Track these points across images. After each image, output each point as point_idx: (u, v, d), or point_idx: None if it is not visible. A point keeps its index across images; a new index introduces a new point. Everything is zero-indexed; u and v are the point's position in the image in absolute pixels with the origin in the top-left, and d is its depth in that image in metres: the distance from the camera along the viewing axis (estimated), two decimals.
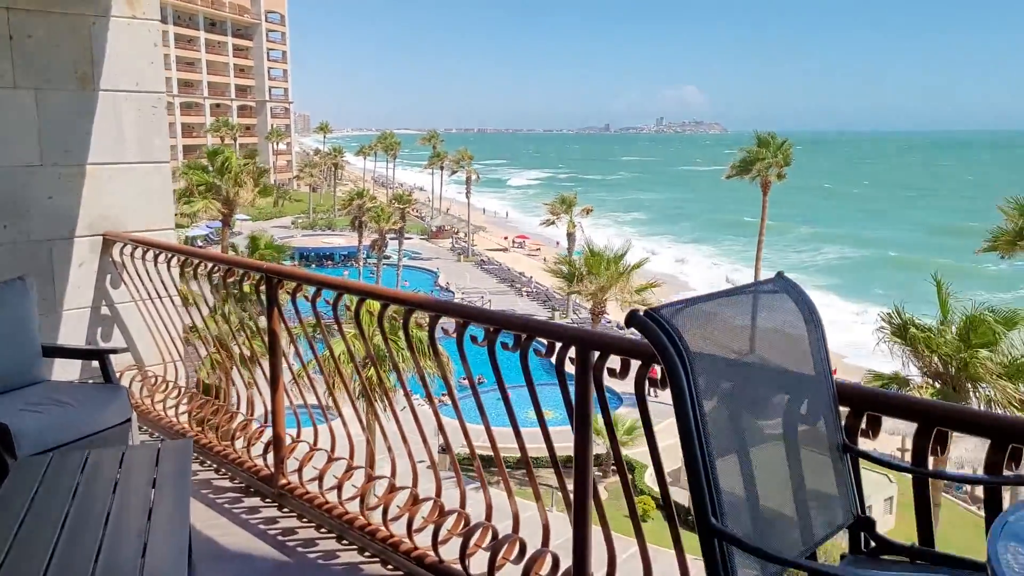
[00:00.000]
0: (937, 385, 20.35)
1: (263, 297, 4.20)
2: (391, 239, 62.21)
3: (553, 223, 62.00)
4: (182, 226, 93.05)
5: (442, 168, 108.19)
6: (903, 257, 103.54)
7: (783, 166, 41.12)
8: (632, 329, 2.13)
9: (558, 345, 2.97)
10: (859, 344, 62.02)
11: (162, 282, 4.98)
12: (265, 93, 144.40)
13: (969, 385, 19.71)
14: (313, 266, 78.91)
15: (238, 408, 4.96)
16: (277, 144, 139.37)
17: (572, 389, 3.07)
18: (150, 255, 4.97)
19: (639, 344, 2.68)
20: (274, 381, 4.33)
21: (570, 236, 61.14)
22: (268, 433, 4.49)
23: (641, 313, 2.04)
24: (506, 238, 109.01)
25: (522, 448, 3.69)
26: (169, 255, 4.84)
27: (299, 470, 4.31)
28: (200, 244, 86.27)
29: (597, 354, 2.90)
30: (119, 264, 5.27)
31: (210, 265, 4.59)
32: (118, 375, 5.38)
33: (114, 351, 4.94)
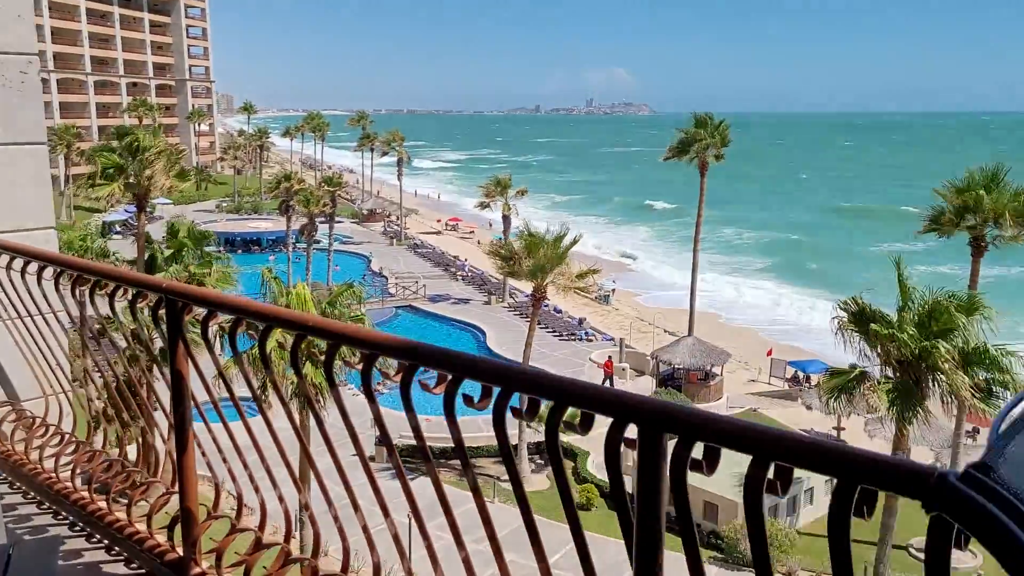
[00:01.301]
0: (893, 376, 20.05)
1: (163, 327, 3.12)
2: (321, 223, 60.22)
3: (488, 205, 60.94)
4: (97, 210, 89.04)
5: (372, 150, 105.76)
6: (803, 240, 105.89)
7: (721, 147, 40.88)
8: None
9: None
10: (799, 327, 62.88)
11: (43, 295, 3.84)
12: (185, 72, 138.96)
13: (929, 376, 19.55)
14: (239, 252, 76.24)
15: (137, 462, 3.87)
16: (199, 125, 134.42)
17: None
18: (17, 264, 3.81)
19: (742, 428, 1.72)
20: (181, 435, 3.28)
21: (506, 219, 60.18)
22: (175, 502, 3.42)
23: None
24: (439, 221, 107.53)
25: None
26: (39, 265, 3.70)
27: (217, 555, 3.27)
28: (118, 230, 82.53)
29: (674, 439, 1.86)
30: None
31: (91, 280, 3.47)
32: None
33: None
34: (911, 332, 18.95)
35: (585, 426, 2.01)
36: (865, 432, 36.20)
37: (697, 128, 40.97)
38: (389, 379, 2.49)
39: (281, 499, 3.26)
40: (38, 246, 4.29)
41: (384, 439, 2.77)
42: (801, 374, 48.48)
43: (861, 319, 20.24)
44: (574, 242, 31.30)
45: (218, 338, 3.21)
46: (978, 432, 35.71)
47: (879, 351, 20.27)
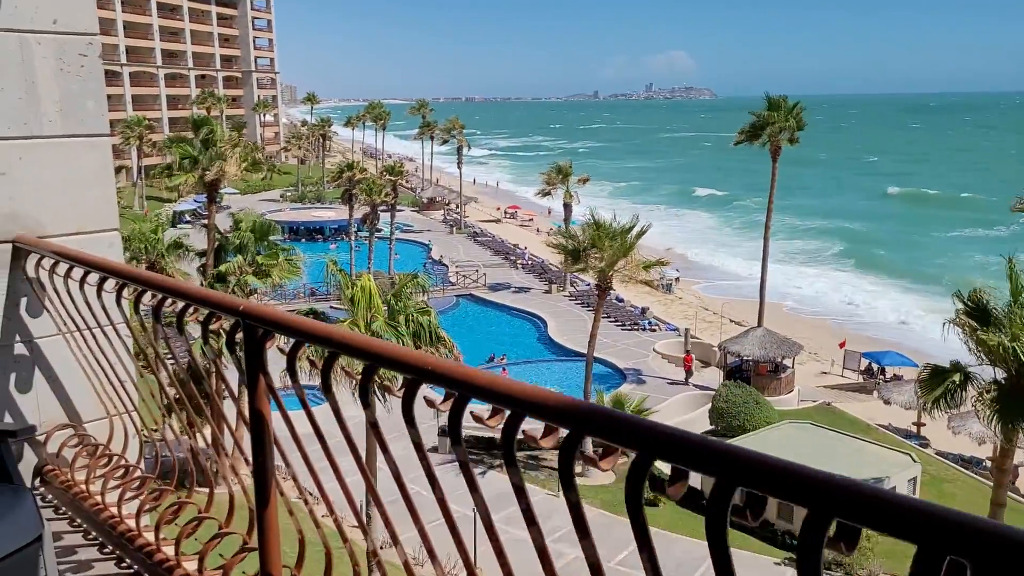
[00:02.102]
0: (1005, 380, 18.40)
1: (240, 354, 2.61)
2: (382, 211, 60.32)
3: (549, 193, 60.17)
4: (169, 200, 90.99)
5: (432, 138, 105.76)
6: (868, 227, 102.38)
7: (796, 131, 39.32)
8: None
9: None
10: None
11: (103, 308, 3.38)
12: (251, 63, 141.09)
13: None
14: (303, 240, 77.03)
15: (208, 505, 3.40)
16: (264, 115, 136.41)
17: None
18: (77, 273, 3.36)
19: None
20: (261, 486, 2.78)
21: (567, 207, 59.36)
22: (254, 560, 2.93)
23: None
24: (498, 208, 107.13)
25: None
26: (101, 277, 3.23)
27: None
28: (187, 219, 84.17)
29: None
30: (37, 283, 3.66)
31: (158, 297, 2.99)
32: (44, 437, 3.80)
33: (13, 434, 3.37)
34: None
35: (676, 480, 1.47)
36: (949, 429, 34.58)
37: (770, 111, 39.46)
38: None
39: (375, 555, 2.73)
40: (101, 251, 3.85)
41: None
42: (875, 366, 46.75)
43: (982, 318, 18.57)
44: (642, 233, 30.43)
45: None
46: None
47: (988, 353, 18.86)
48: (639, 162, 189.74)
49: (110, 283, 3.23)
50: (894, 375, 45.97)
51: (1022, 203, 25.32)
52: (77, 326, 3.55)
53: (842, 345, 48.52)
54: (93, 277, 3.29)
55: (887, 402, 38.07)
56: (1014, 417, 17.97)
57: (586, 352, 45.32)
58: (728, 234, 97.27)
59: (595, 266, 29.78)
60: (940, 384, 19.28)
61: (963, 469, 33.10)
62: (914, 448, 33.66)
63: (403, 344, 17.49)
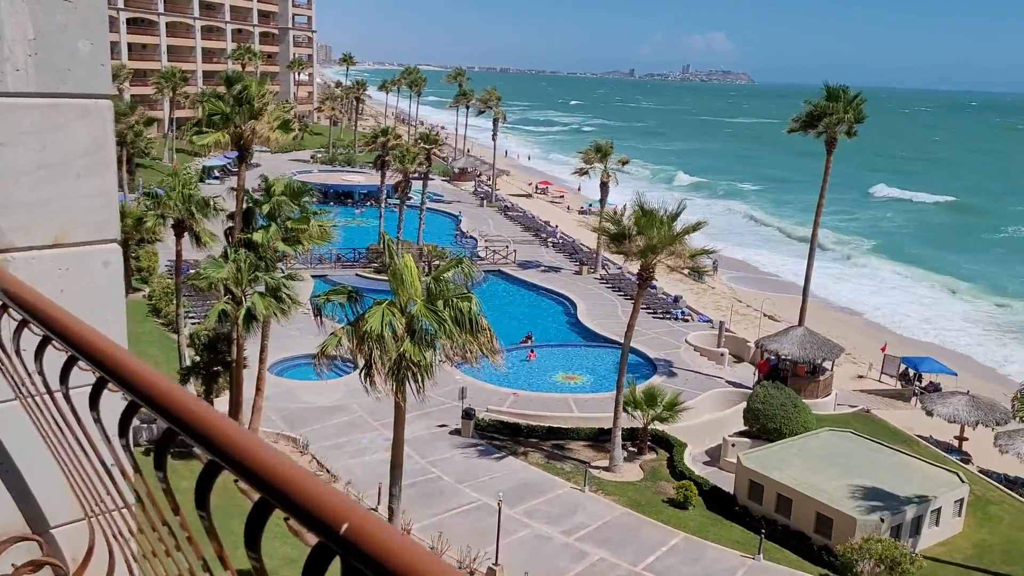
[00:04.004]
0: None
1: None
2: (414, 179, 58.93)
3: (587, 172, 58.46)
4: (198, 154, 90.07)
5: (467, 108, 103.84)
6: (907, 224, 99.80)
7: (855, 123, 37.34)
8: None
9: None
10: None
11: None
12: (288, 20, 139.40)
13: None
14: (331, 204, 75.82)
15: None
16: (299, 74, 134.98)
17: None
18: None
19: None
20: None
21: (603, 186, 57.64)
22: None
23: None
24: (530, 184, 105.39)
25: None
26: (44, 337, 1.92)
27: None
28: (216, 175, 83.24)
29: None
30: None
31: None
32: None
33: None
34: None
35: None
36: (996, 447, 32.98)
37: (828, 101, 37.51)
38: None
39: None
40: (91, 272, 2.56)
41: None
42: (912, 372, 45.07)
43: None
44: (696, 227, 28.84)
45: None
46: None
47: None
48: (687, 144, 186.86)
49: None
50: (930, 382, 44.31)
51: None
52: (40, 388, 2.23)
53: (883, 349, 46.80)
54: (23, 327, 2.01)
55: (930, 413, 36.46)
56: None
57: (615, 338, 44.04)
58: (751, 226, 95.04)
59: (638, 251, 28.27)
60: None
61: (1008, 490, 31.51)
62: (958, 465, 32.11)
63: (445, 329, 16.27)
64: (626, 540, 26.22)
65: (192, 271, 42.31)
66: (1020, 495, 31.52)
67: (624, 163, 57.20)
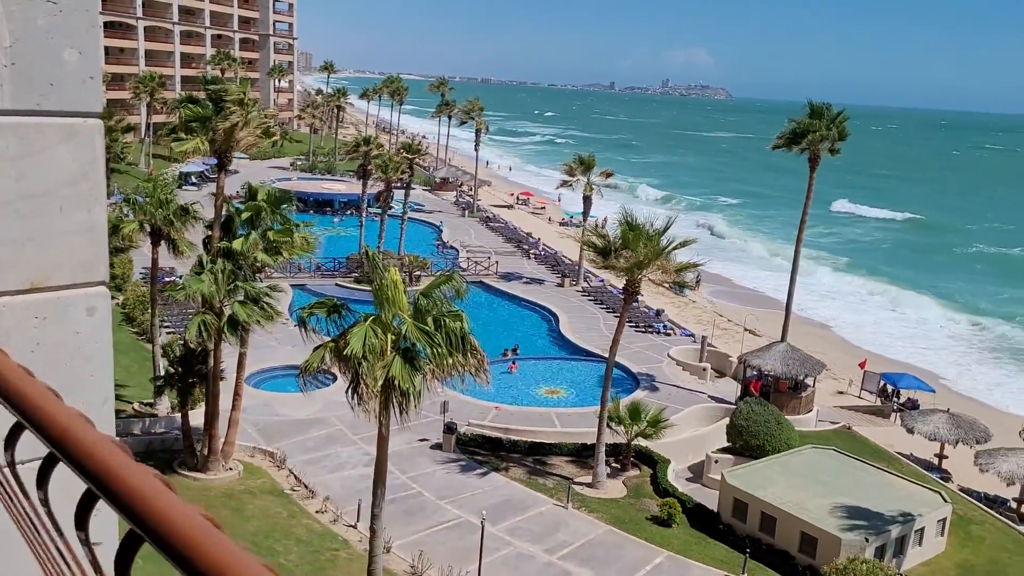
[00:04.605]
0: None
1: None
2: (395, 188, 58.42)
3: (570, 185, 58.29)
4: (175, 160, 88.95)
5: (450, 117, 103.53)
6: (884, 238, 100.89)
7: (838, 140, 37.45)
8: None
9: None
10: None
11: None
12: (269, 27, 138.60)
13: None
14: (311, 212, 75.12)
15: None
16: (279, 81, 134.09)
17: None
18: None
19: None
20: None
21: (587, 199, 57.49)
22: None
23: None
24: (511, 194, 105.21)
25: None
26: None
27: None
28: (193, 181, 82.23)
29: None
30: None
31: None
32: None
33: None
34: None
35: None
36: (976, 465, 33.03)
37: (812, 118, 37.60)
38: None
39: None
40: (74, 319, 2.18)
41: None
42: (891, 388, 45.16)
43: None
44: (684, 243, 28.63)
45: None
46: None
47: None
48: (668, 157, 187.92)
49: None
50: (908, 399, 44.42)
51: None
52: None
53: (863, 365, 46.90)
54: None
55: (910, 431, 36.47)
56: None
57: (598, 352, 43.81)
58: (719, 240, 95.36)
59: (625, 266, 28.01)
60: None
61: (989, 510, 31.51)
62: (940, 484, 32.08)
63: (437, 352, 15.78)
64: (610, 559, 25.86)
65: (168, 279, 41.66)
66: (1001, 514, 31.52)
67: (608, 176, 57.09)
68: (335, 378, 31.54)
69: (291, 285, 51.26)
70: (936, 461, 36.94)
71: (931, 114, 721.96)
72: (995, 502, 33.48)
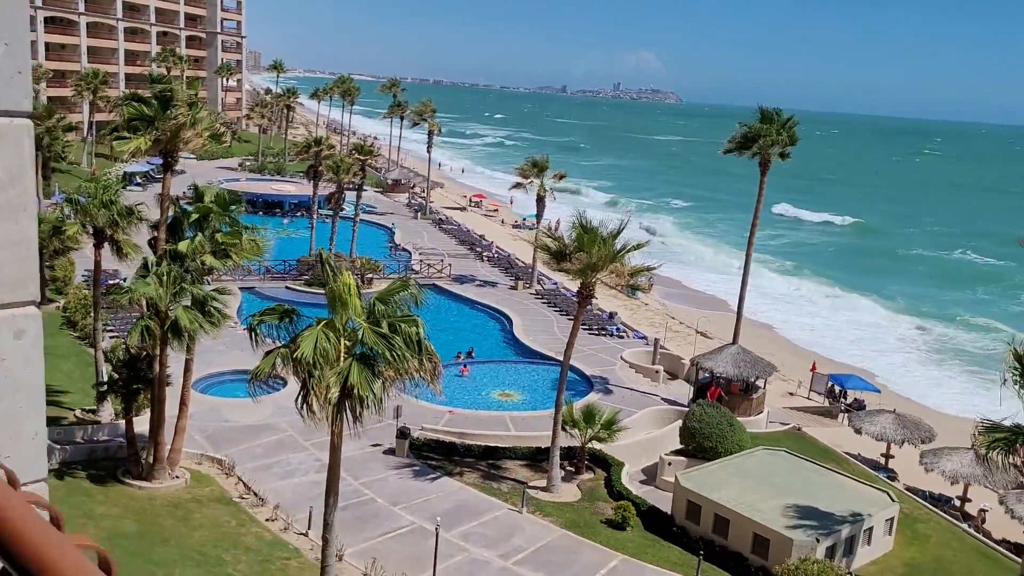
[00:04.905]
0: None
1: None
2: (347, 190, 57.68)
3: (524, 187, 58.25)
4: (120, 160, 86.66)
5: (402, 119, 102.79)
6: (830, 242, 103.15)
7: (788, 145, 38.02)
8: None
9: None
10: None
11: None
12: (216, 24, 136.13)
13: None
14: (260, 214, 73.89)
15: None
16: (227, 80, 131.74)
17: None
18: None
19: None
20: None
21: (540, 201, 57.50)
22: None
23: None
24: (464, 196, 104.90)
25: None
26: None
27: None
28: (138, 181, 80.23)
29: None
30: None
31: None
32: None
33: None
34: None
35: None
36: (921, 464, 33.75)
37: (762, 123, 38.10)
38: None
39: None
40: (1, 341, 1.93)
41: None
42: (838, 388, 45.97)
43: None
44: (639, 246, 28.70)
45: None
46: None
47: None
48: (620, 160, 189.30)
49: None
50: (855, 399, 45.26)
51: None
52: None
53: (812, 368, 47.67)
54: None
55: (858, 431, 37.15)
56: None
57: (552, 355, 43.76)
58: (679, 242, 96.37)
59: (579, 269, 27.98)
60: (1002, 439, 17.46)
61: (934, 508, 32.20)
62: (887, 483, 32.68)
63: (396, 355, 15.41)
64: (564, 563, 25.76)
65: (112, 282, 40.40)
66: (945, 513, 32.23)
67: (561, 178, 57.15)
68: (286, 383, 30.95)
69: (240, 288, 50.23)
70: (883, 461, 37.67)
71: (874, 120, 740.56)
72: (939, 500, 34.24)
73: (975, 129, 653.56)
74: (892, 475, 36.17)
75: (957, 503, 34.55)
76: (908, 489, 34.21)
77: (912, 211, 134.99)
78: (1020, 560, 25.77)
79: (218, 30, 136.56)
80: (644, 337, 49.94)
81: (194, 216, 26.49)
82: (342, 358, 15.70)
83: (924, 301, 75.61)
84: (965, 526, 31.25)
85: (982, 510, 33.26)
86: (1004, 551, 29.10)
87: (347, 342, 16.23)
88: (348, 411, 15.75)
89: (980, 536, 30.51)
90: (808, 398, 45.98)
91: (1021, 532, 29.87)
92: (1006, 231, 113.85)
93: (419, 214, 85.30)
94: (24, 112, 1.92)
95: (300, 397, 15.90)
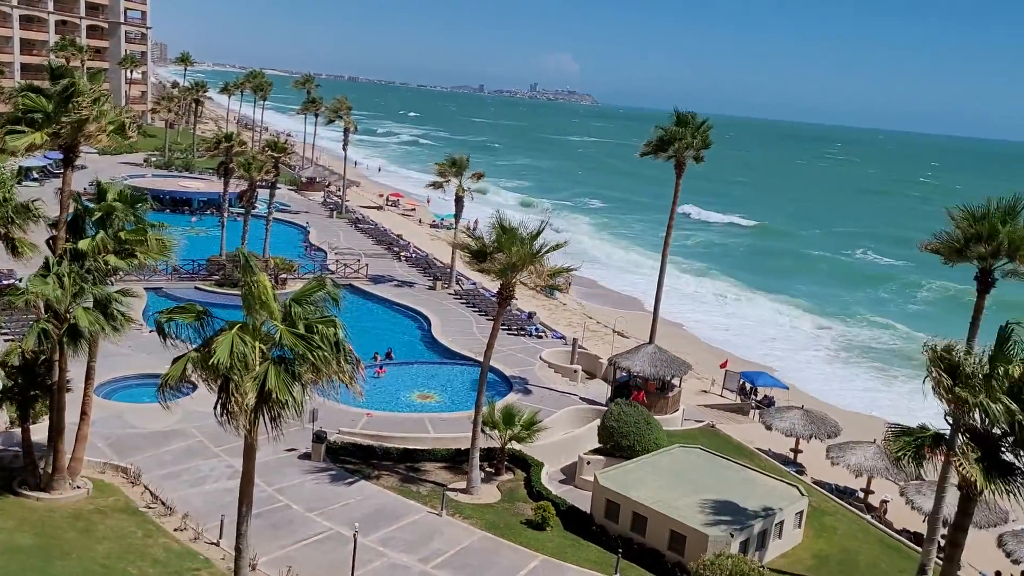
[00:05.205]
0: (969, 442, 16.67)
1: None
2: (260, 188, 56.12)
3: (442, 186, 57.85)
4: (14, 153, 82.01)
5: (316, 115, 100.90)
6: (742, 243, 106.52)
7: (702, 148, 38.81)
8: None
9: None
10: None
11: None
12: (120, 14, 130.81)
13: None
14: (167, 211, 71.34)
15: None
16: (132, 72, 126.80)
17: None
18: None
19: None
20: None
21: (458, 201, 57.20)
22: None
23: None
24: (380, 195, 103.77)
25: None
26: None
27: None
28: (35, 176, 76.21)
29: None
30: None
31: None
32: None
33: None
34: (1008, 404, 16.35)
35: None
36: (828, 458, 34.95)
37: (678, 126, 38.81)
38: None
39: None
40: None
41: None
42: (748, 385, 47.25)
43: (953, 372, 17.22)
44: (558, 246, 28.76)
45: None
46: None
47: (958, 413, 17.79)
48: (537, 161, 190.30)
49: None
50: (765, 396, 46.60)
51: (932, 245, 25.05)
52: None
53: (723, 365, 48.86)
54: None
55: (769, 427, 38.21)
56: (1001, 480, 16.77)
57: (471, 355, 43.54)
58: (593, 242, 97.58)
59: (498, 268, 27.89)
60: (909, 445, 17.91)
61: (840, 500, 33.38)
62: (796, 477, 33.72)
63: (317, 357, 14.93)
64: (484, 566, 25.61)
65: (6, 282, 38.24)
66: (850, 504, 33.46)
67: (479, 178, 56.99)
68: (195, 387, 29.83)
69: (146, 289, 48.41)
70: (792, 455, 38.87)
71: (778, 125, 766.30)
72: (845, 493, 35.53)
73: (872, 135, 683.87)
74: (800, 469, 37.34)
75: (861, 495, 35.93)
76: (815, 482, 35.37)
77: (814, 213, 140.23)
78: (920, 549, 26.93)
79: (121, 20, 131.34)
80: (562, 337, 50.28)
81: (97, 214, 25.23)
82: (258, 362, 15.13)
83: (827, 300, 78.57)
84: (869, 517, 32.51)
85: (884, 501, 34.66)
86: (905, 541, 30.39)
87: (263, 345, 15.66)
88: (265, 416, 15.22)
89: (883, 527, 31.78)
90: (721, 395, 47.11)
91: (920, 522, 31.26)
92: (901, 233, 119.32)
93: (335, 213, 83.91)
94: None
95: (219, 404, 15.24)
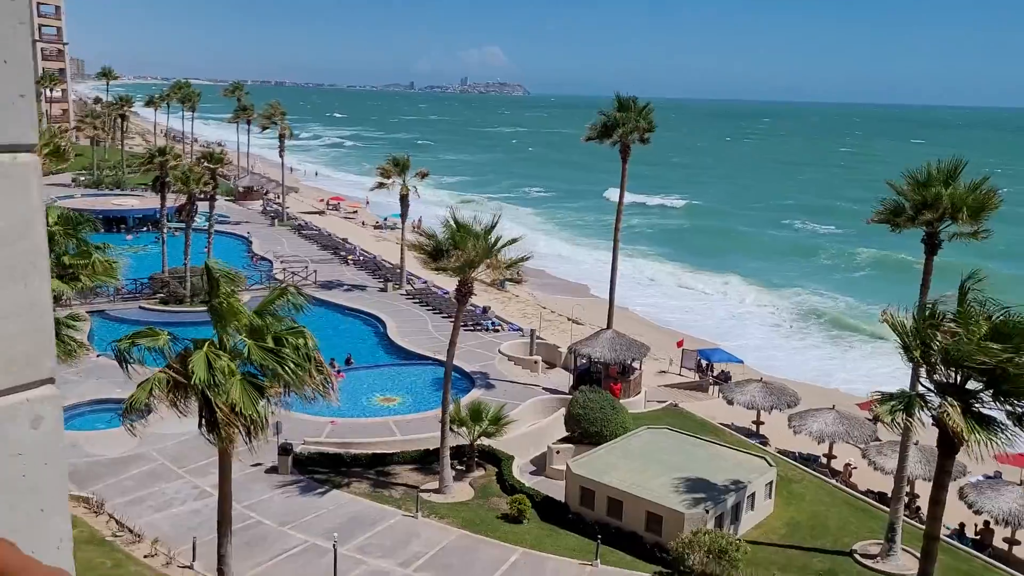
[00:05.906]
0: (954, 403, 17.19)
1: None
2: (199, 200, 54.80)
3: (386, 186, 57.28)
4: None
5: (248, 123, 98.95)
6: (687, 225, 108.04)
7: (646, 131, 39.13)
8: None
9: None
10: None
11: None
12: (34, 31, 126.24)
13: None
14: (101, 231, 69.21)
15: None
16: (51, 90, 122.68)
17: None
18: None
19: None
20: None
21: (403, 200, 56.73)
22: None
23: None
24: (321, 200, 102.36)
25: None
26: None
27: None
28: None
29: None
30: None
31: None
32: None
33: None
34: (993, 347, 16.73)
35: None
36: (790, 428, 35.65)
37: (620, 111, 39.04)
38: None
39: None
40: (15, 436, 1.47)
41: None
42: (705, 362, 47.91)
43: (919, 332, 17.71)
44: (514, 240, 28.72)
45: None
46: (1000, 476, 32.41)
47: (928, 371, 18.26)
48: (472, 155, 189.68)
49: None
50: (721, 371, 47.34)
51: (881, 215, 25.63)
52: None
53: (679, 344, 49.43)
54: None
55: (730, 402, 38.81)
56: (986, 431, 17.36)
57: (429, 355, 43.33)
58: (534, 232, 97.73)
59: (456, 266, 27.74)
60: (895, 407, 18.37)
61: (805, 467, 34.11)
62: (761, 449, 34.34)
63: (287, 370, 14.63)
64: (466, 563, 25.53)
65: None
66: (815, 471, 34.21)
67: (424, 176, 56.58)
68: (150, 410, 29.06)
69: (88, 312, 46.96)
70: (755, 428, 39.56)
71: (707, 104, 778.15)
72: (809, 460, 36.29)
73: (800, 109, 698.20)
74: (764, 440, 38.03)
75: (824, 461, 36.76)
76: (780, 452, 36.05)
77: (745, 189, 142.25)
78: (887, 508, 27.67)
79: (36, 37, 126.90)
80: (519, 329, 50.29)
81: None
82: (230, 379, 14.76)
83: (770, 273, 79.93)
84: (834, 482, 33.28)
85: (847, 465, 35.51)
86: (871, 501, 31.18)
87: (231, 363, 15.27)
88: (242, 432, 14.87)
89: (849, 490, 32.57)
90: (680, 374, 47.67)
91: (883, 482, 32.12)
92: (830, 203, 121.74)
93: (276, 221, 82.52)
94: (29, 146, 1.47)
95: (204, 422, 14.82)
